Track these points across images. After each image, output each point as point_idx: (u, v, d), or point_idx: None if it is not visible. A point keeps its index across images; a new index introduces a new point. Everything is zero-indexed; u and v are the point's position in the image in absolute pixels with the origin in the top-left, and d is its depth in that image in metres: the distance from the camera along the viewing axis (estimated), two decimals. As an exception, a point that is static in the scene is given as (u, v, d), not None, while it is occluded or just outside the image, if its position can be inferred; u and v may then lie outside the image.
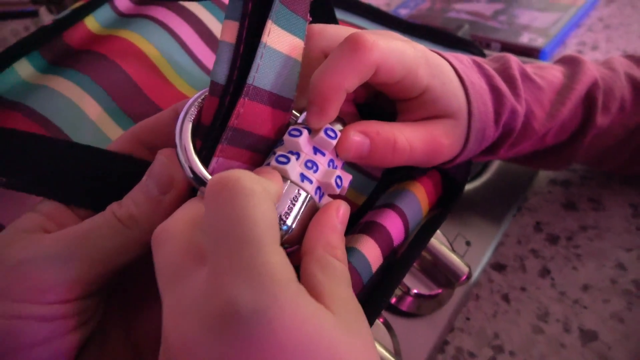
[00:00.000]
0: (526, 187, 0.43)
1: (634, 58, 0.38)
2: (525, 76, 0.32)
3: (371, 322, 0.25)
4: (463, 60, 0.29)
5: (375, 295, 0.25)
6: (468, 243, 0.38)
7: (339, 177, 0.22)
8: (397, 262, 0.26)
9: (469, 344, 0.35)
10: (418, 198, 0.28)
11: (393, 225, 0.26)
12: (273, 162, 0.21)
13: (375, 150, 0.24)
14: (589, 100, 0.33)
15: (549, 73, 0.33)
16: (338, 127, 0.23)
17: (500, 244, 0.40)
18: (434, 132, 0.26)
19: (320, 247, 0.20)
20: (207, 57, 0.34)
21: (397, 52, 0.23)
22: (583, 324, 0.36)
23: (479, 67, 0.30)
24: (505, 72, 0.31)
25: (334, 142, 0.22)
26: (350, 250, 0.24)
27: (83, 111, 0.28)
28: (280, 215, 0.20)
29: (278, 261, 0.16)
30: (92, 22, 0.31)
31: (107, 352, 0.22)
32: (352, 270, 0.24)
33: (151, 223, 0.20)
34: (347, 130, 0.23)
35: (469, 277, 0.31)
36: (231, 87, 0.21)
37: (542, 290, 0.38)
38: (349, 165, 0.31)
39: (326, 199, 0.23)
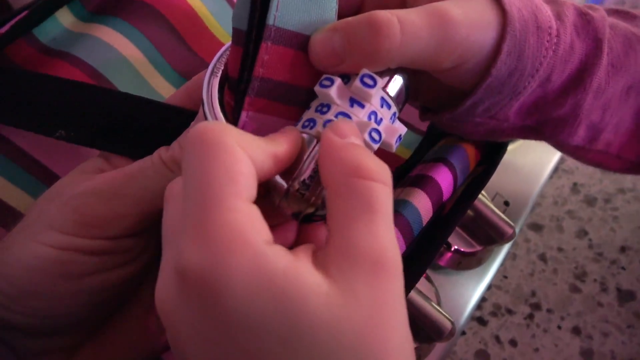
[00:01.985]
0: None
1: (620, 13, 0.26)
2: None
3: (418, 278, 0.25)
4: None
5: (423, 250, 0.25)
6: (506, 203, 0.38)
7: (375, 130, 0.19)
8: (445, 217, 0.26)
9: (506, 301, 0.35)
10: (468, 153, 0.28)
11: (444, 179, 0.26)
12: (299, 125, 0.19)
13: (352, 44, 0.18)
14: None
15: None
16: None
17: (536, 205, 0.40)
18: (438, 4, 0.20)
19: (337, 177, 0.16)
20: None
21: None
22: (621, 284, 0.36)
23: None
24: None
25: (372, 90, 0.19)
26: (402, 202, 0.24)
27: (128, 60, 0.28)
28: (304, 179, 0.18)
29: (235, 218, 0.14)
30: (132, -29, 0.30)
31: None
32: (404, 221, 0.24)
33: None
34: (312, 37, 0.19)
35: (513, 235, 0.31)
36: (254, 32, 0.18)
37: (579, 250, 0.38)
38: None
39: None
